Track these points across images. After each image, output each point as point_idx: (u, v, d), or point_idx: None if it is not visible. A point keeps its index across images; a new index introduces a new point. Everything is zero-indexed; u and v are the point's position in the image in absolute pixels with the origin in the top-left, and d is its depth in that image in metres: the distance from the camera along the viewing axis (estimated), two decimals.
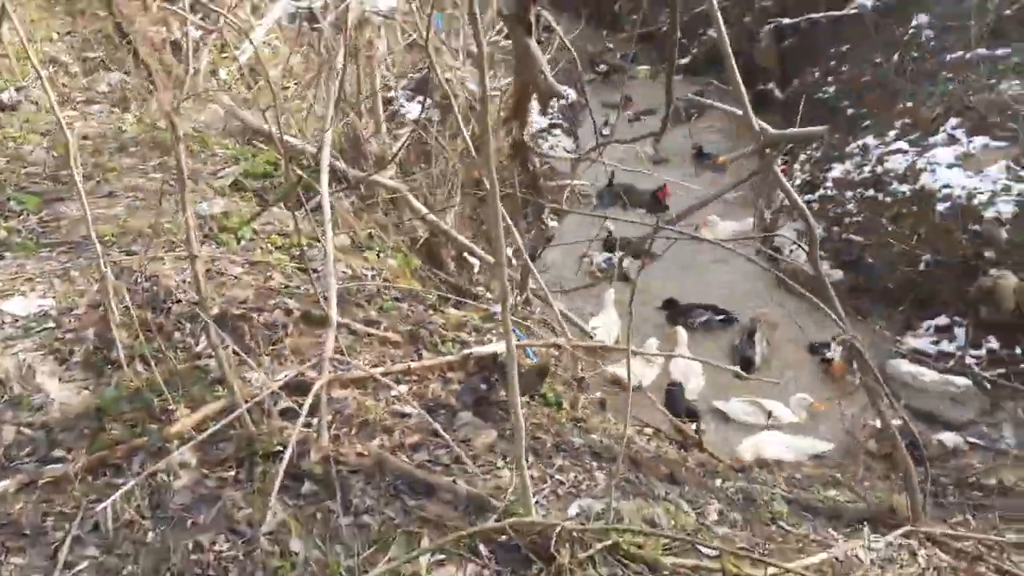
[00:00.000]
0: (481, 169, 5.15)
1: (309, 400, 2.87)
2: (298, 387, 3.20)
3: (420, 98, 6.75)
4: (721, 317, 7.39)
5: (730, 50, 3.24)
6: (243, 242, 4.78)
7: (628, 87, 12.38)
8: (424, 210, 5.82)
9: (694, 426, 5.25)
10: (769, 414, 6.00)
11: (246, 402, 2.86)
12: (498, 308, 5.09)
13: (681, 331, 6.82)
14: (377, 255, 5.37)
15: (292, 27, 9.28)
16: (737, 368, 3.81)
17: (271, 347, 3.62)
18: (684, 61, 13.65)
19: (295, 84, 8.43)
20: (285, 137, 4.09)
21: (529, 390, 3.49)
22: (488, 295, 5.71)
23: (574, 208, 6.50)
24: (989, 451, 5.50)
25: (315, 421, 2.93)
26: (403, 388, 3.44)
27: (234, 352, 3.24)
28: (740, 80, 3.31)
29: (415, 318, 4.26)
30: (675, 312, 7.17)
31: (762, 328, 7.04)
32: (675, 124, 11.45)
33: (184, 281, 4.03)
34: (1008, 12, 8.72)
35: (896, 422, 3.80)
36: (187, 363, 3.43)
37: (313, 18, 8.51)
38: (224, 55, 8.71)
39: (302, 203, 4.61)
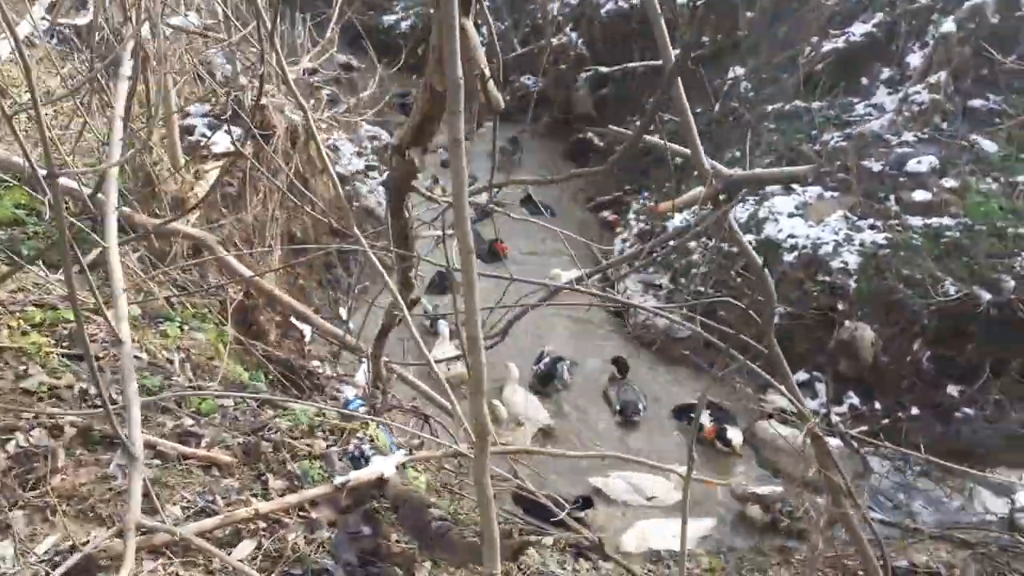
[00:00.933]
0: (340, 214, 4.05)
1: None
2: (79, 569, 1.99)
3: (227, 128, 5.49)
4: (568, 363, 6.79)
5: (683, 92, 2.54)
6: None
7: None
8: (239, 266, 4.60)
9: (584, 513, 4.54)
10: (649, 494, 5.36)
11: None
12: (352, 394, 4.01)
13: (512, 366, 6.37)
14: (180, 328, 4.10)
15: (50, 45, 7.67)
16: (676, 469, 3.10)
17: (28, 493, 2.32)
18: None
19: (55, 111, 6.84)
20: (53, 170, 2.83)
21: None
22: (328, 371, 4.58)
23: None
24: (887, 524, 5.13)
25: None
26: (247, 548, 2.29)
27: None
28: (691, 118, 2.65)
29: (247, 422, 3.08)
30: (546, 377, 6.52)
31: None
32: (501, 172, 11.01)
33: None
34: (819, 67, 8.99)
35: (864, 528, 3.22)
36: None
37: (80, 35, 7.00)
38: None
39: (75, 259, 3.29)
